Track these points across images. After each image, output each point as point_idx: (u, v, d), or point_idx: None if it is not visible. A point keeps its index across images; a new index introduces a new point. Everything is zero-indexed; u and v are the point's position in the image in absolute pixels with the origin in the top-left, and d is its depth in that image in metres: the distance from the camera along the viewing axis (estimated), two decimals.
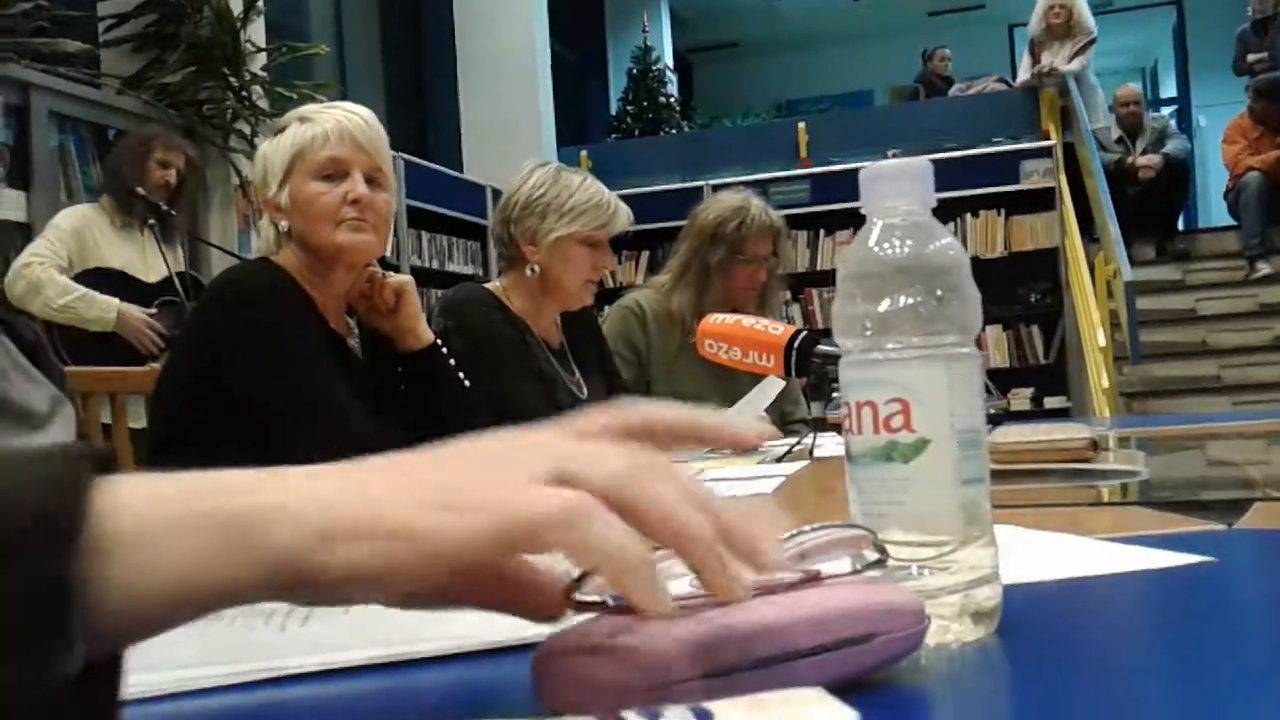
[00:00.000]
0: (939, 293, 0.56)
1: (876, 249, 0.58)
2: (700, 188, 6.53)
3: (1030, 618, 0.56)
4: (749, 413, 2.07)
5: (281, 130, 1.68)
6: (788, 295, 7.08)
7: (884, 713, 0.43)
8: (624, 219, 2.23)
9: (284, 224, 1.66)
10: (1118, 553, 0.75)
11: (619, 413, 0.47)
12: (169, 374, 1.64)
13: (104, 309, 3.40)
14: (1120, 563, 0.72)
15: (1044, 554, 0.77)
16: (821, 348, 1.97)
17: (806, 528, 0.48)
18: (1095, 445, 1.32)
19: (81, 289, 3.39)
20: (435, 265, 6.24)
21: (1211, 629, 0.55)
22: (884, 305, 0.56)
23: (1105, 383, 5.95)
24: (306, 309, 1.61)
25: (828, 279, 7.14)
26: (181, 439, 1.59)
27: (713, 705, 0.34)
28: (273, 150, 1.66)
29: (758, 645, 0.41)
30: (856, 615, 0.44)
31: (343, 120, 1.64)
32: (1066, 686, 0.46)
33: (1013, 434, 1.37)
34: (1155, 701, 0.43)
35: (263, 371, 1.53)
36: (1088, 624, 0.58)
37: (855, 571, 0.49)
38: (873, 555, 0.50)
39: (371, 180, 1.65)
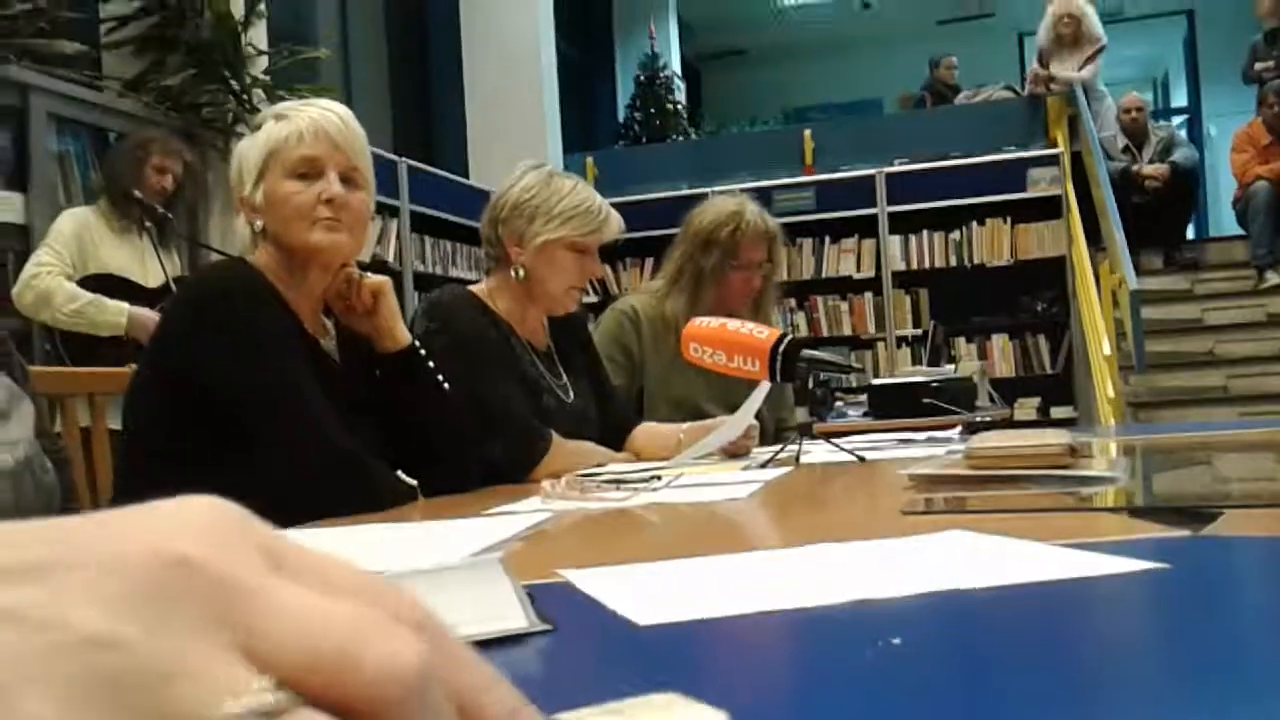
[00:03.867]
0: None
1: None
2: (705, 194, 6.51)
3: (947, 624, 0.54)
4: (743, 420, 2.04)
5: (258, 128, 1.67)
6: (792, 303, 7.07)
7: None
8: (614, 227, 2.20)
9: (259, 223, 1.64)
10: (1068, 559, 0.72)
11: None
12: (141, 374, 1.62)
13: (114, 313, 3.42)
14: (1066, 568, 0.69)
15: (988, 560, 0.75)
16: (807, 352, 1.95)
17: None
18: (1074, 451, 1.29)
19: (90, 295, 3.41)
20: (438, 271, 6.23)
21: (1135, 634, 0.52)
22: None
23: (1111, 392, 5.91)
24: (278, 308, 1.59)
25: (832, 286, 7.13)
26: (154, 440, 1.57)
27: (568, 715, 0.32)
28: (248, 148, 1.65)
29: None
30: None
31: (318, 118, 1.62)
32: (943, 696, 0.43)
33: (991, 439, 1.35)
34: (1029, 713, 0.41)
35: (230, 369, 1.51)
36: (1003, 632, 0.56)
37: None
38: None
39: (347, 180, 1.63)
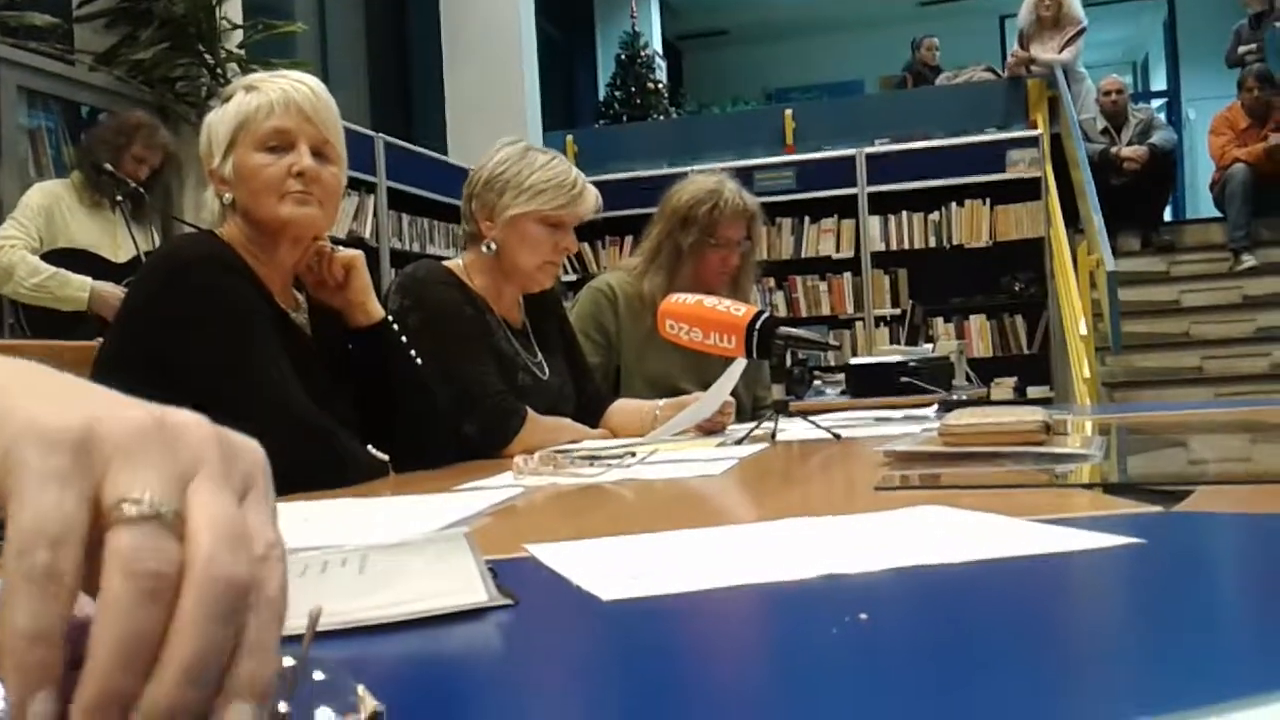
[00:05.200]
0: None
1: None
2: (686, 173, 6.47)
3: (919, 599, 0.53)
4: (718, 398, 2.03)
5: (228, 99, 1.63)
6: (771, 282, 7.06)
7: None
8: (590, 202, 2.16)
9: (228, 196, 1.61)
10: (1043, 534, 0.72)
11: None
12: (107, 347, 1.60)
13: (77, 288, 3.38)
14: (1042, 544, 0.68)
15: (965, 536, 0.74)
16: (783, 329, 1.94)
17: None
18: (1048, 428, 1.28)
19: (53, 269, 3.37)
20: (416, 248, 6.19)
21: (1110, 609, 0.51)
22: None
23: (1087, 372, 5.94)
24: (246, 281, 1.56)
25: (812, 266, 7.12)
26: None
27: None
28: (217, 120, 1.62)
29: None
30: None
31: (289, 90, 1.59)
32: (914, 671, 0.42)
33: (966, 416, 1.34)
34: (985, 687, 0.40)
35: (195, 341, 1.48)
36: (977, 607, 0.55)
37: None
38: None
39: (319, 153, 1.60)
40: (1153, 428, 1.75)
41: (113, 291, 3.38)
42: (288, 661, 0.38)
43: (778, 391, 1.97)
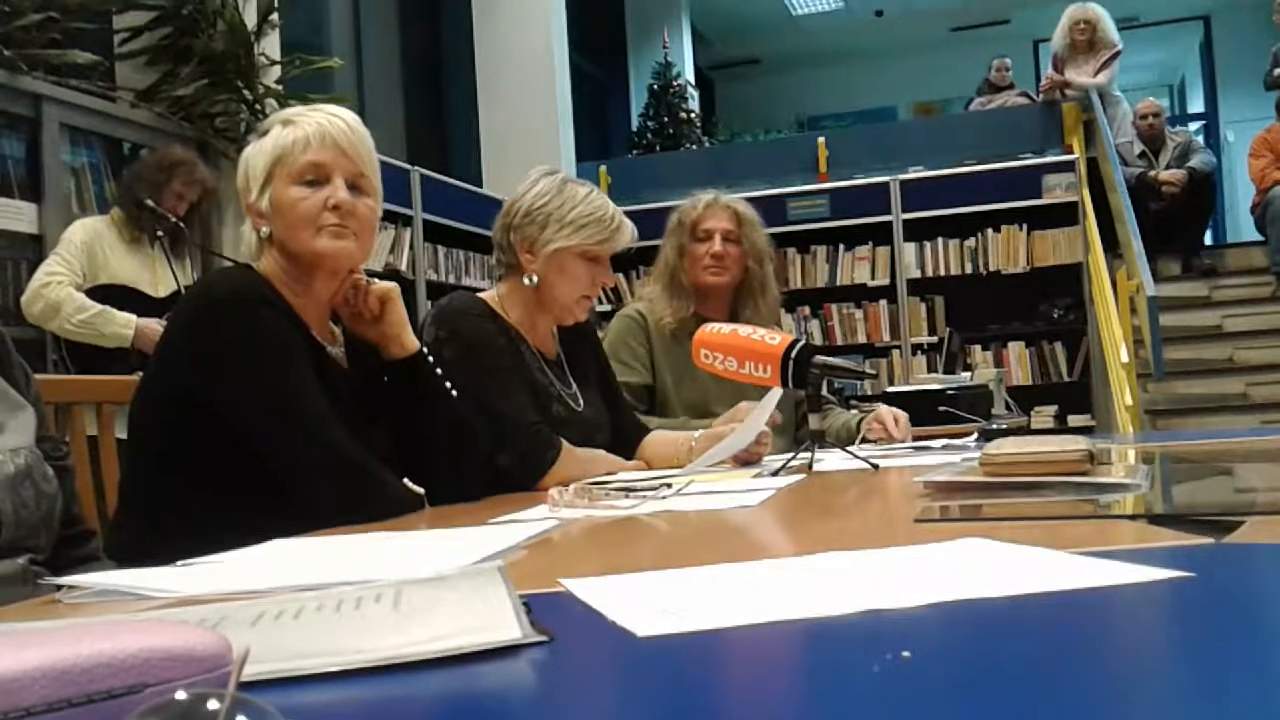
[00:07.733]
0: None
1: None
2: None
3: (962, 635, 0.52)
4: (754, 428, 2.02)
5: (265, 133, 1.65)
6: (806, 310, 7.03)
7: None
8: (627, 236, 2.17)
9: (265, 229, 1.62)
10: (1087, 568, 0.70)
11: None
12: (146, 382, 1.61)
13: (122, 324, 3.42)
14: (1086, 578, 0.67)
15: (1008, 570, 0.72)
16: (819, 358, 1.92)
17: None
18: (1092, 458, 1.26)
19: (99, 306, 3.42)
20: (451, 279, 6.23)
21: (1160, 646, 0.50)
22: None
23: (1129, 400, 5.86)
24: (283, 315, 1.57)
25: (848, 294, 7.09)
26: (159, 447, 1.55)
27: None
28: (255, 154, 1.63)
29: None
30: (115, 665, 0.39)
31: (325, 124, 1.60)
32: (957, 711, 0.41)
33: (1006, 446, 1.32)
34: None
35: (232, 376, 1.49)
36: (1020, 643, 0.53)
37: None
38: None
39: (354, 186, 1.61)
40: (1198, 456, 1.72)
41: (155, 328, 3.41)
42: (213, 704, 0.37)
43: (814, 421, 1.95)
